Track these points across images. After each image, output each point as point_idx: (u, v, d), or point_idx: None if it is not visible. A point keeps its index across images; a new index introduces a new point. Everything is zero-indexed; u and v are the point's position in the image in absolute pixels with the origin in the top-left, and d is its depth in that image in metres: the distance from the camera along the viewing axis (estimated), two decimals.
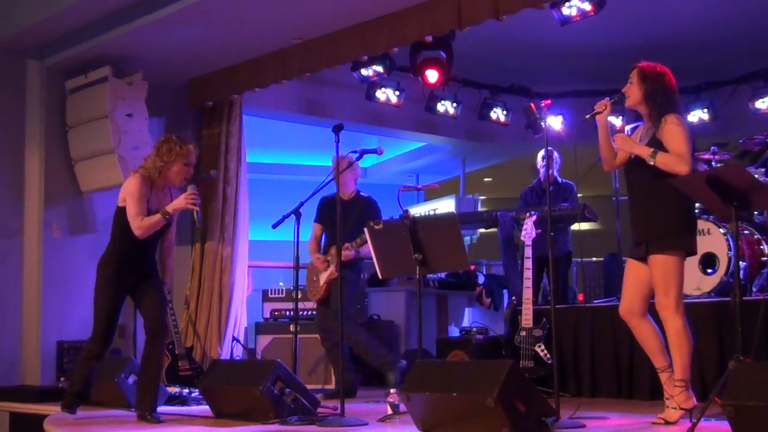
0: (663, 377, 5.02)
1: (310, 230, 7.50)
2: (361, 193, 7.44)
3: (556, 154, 8.18)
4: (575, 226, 8.51)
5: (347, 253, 6.98)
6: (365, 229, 5.81)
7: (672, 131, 4.87)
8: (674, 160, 4.80)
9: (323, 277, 7.26)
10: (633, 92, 5.04)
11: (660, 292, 4.86)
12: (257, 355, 8.20)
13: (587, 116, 5.13)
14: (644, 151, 4.87)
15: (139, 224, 5.57)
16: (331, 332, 7.25)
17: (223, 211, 8.70)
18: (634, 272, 5.07)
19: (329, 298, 7.25)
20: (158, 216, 5.60)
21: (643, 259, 4.97)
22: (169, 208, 5.62)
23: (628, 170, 5.15)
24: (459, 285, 9.87)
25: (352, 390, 7.25)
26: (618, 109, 5.28)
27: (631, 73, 5.07)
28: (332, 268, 7.11)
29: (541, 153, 8.28)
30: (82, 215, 8.37)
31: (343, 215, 7.07)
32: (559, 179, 8.33)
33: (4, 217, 8.16)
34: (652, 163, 4.84)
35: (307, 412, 5.36)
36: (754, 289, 6.58)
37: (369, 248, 6.95)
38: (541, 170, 8.28)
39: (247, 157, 9.12)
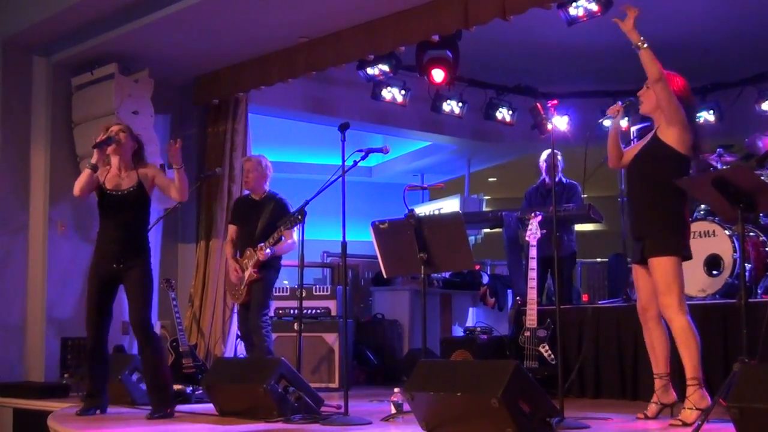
0: (659, 383, 5.14)
1: (314, 229, 7.48)
2: (273, 193, 7.30)
3: (559, 156, 8.15)
4: (580, 227, 8.51)
5: (263, 252, 6.91)
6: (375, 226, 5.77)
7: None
8: (654, 63, 4.88)
9: (244, 280, 7.08)
10: (648, 97, 5.07)
11: (662, 293, 4.90)
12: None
13: (601, 120, 5.17)
14: (635, 38, 4.91)
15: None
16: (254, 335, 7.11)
17: (228, 209, 8.70)
18: (641, 277, 5.15)
19: (251, 301, 7.09)
20: (84, 169, 5.80)
21: (644, 262, 5.01)
22: (93, 158, 5.75)
23: (628, 171, 5.20)
24: (463, 285, 9.87)
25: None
26: (627, 112, 5.35)
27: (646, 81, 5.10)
28: (251, 269, 7.01)
29: (544, 155, 8.28)
30: (87, 212, 8.36)
31: (254, 214, 7.09)
32: (564, 180, 8.32)
33: (10, 213, 8.18)
34: (640, 46, 4.89)
35: (311, 410, 5.35)
36: (759, 291, 6.56)
37: (284, 245, 6.99)
38: (543, 171, 8.30)
39: None
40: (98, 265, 5.81)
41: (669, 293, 4.88)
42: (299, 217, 6.62)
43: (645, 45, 4.87)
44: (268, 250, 6.92)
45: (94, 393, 5.85)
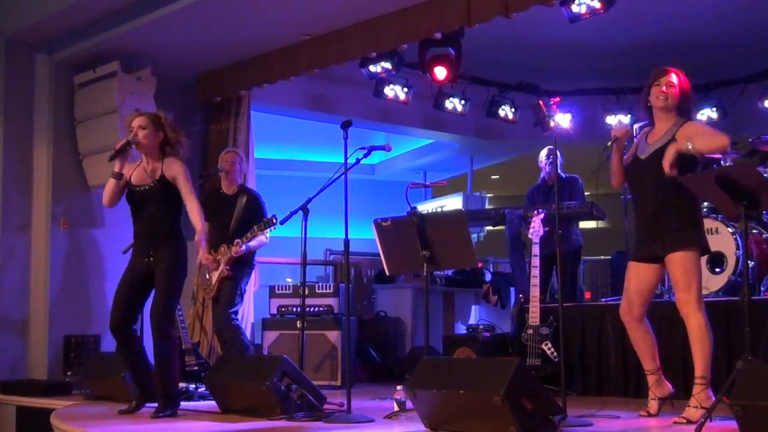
0: (651, 379, 5.17)
1: (317, 227, 7.48)
2: (246, 187, 7.32)
3: (557, 152, 8.13)
4: (583, 224, 8.50)
5: (238, 248, 6.89)
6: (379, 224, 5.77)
7: (697, 126, 4.99)
8: (710, 134, 4.86)
9: (215, 276, 7.09)
10: (672, 96, 5.02)
11: (681, 289, 4.88)
12: (264, 351, 8.21)
13: (609, 144, 5.13)
14: (682, 146, 4.83)
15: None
16: (225, 332, 7.12)
17: None
18: (636, 276, 5.12)
19: (220, 297, 7.11)
20: (110, 179, 5.76)
21: (652, 259, 4.99)
22: (116, 166, 5.73)
23: (634, 171, 5.15)
24: (466, 282, 9.87)
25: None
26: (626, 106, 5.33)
27: (670, 75, 5.05)
28: (222, 266, 6.99)
29: (544, 152, 8.27)
30: (89, 210, 8.39)
31: (226, 209, 7.07)
32: (563, 174, 8.30)
33: (13, 211, 8.18)
34: (689, 147, 4.79)
35: (314, 408, 5.35)
36: (762, 289, 6.55)
37: (257, 241, 6.99)
38: (543, 169, 8.30)
39: (255, 153, 9.12)
40: (133, 261, 5.79)
41: (688, 290, 4.85)
42: (273, 220, 6.65)
43: (693, 146, 4.80)
44: (243, 247, 6.91)
45: (141, 392, 5.77)
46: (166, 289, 5.63)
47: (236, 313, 7.13)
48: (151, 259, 5.67)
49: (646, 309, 5.13)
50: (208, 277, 7.21)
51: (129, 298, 5.71)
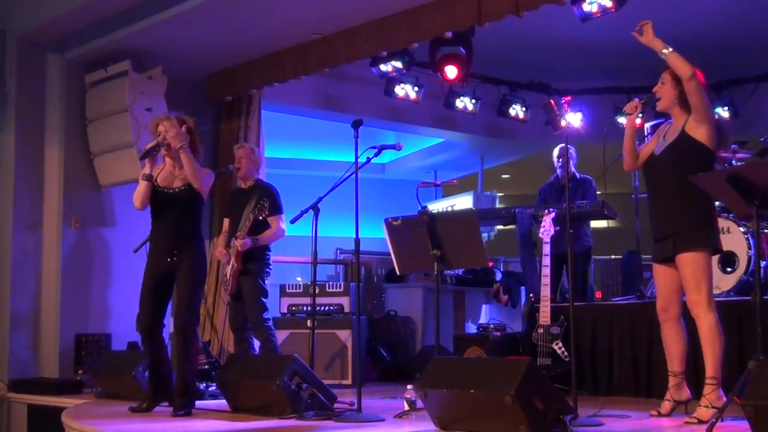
0: (673, 381, 5.13)
1: (327, 225, 7.48)
2: (262, 182, 7.26)
3: (572, 150, 8.11)
4: (593, 224, 8.48)
5: (241, 242, 6.77)
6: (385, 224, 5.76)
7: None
8: (685, 63, 4.83)
9: (228, 270, 7.02)
10: (666, 93, 5.02)
11: (691, 290, 4.87)
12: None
13: (618, 117, 5.13)
14: (659, 46, 4.91)
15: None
16: (241, 330, 7.08)
17: None
18: (663, 276, 5.11)
19: (240, 293, 7.00)
20: (141, 181, 5.77)
21: (669, 260, 4.96)
22: (147, 168, 5.78)
23: (648, 168, 5.14)
24: (476, 281, 9.85)
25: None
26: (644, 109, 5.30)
27: (663, 74, 5.05)
28: (232, 260, 6.92)
29: (557, 150, 8.25)
30: (100, 209, 8.41)
31: (242, 204, 7.03)
32: (578, 175, 8.28)
33: (24, 210, 8.21)
34: (666, 52, 4.87)
35: (324, 407, 5.35)
36: None
37: (269, 234, 6.91)
38: (558, 167, 8.27)
39: (266, 152, 9.13)
40: (153, 262, 5.81)
41: (698, 290, 4.84)
42: (264, 203, 6.61)
43: (669, 49, 4.86)
44: (246, 239, 6.80)
45: (155, 392, 5.81)
46: (191, 289, 5.70)
47: (266, 312, 7.02)
48: (175, 259, 5.71)
49: (680, 307, 5.09)
50: (224, 273, 7.20)
51: (157, 299, 5.75)
